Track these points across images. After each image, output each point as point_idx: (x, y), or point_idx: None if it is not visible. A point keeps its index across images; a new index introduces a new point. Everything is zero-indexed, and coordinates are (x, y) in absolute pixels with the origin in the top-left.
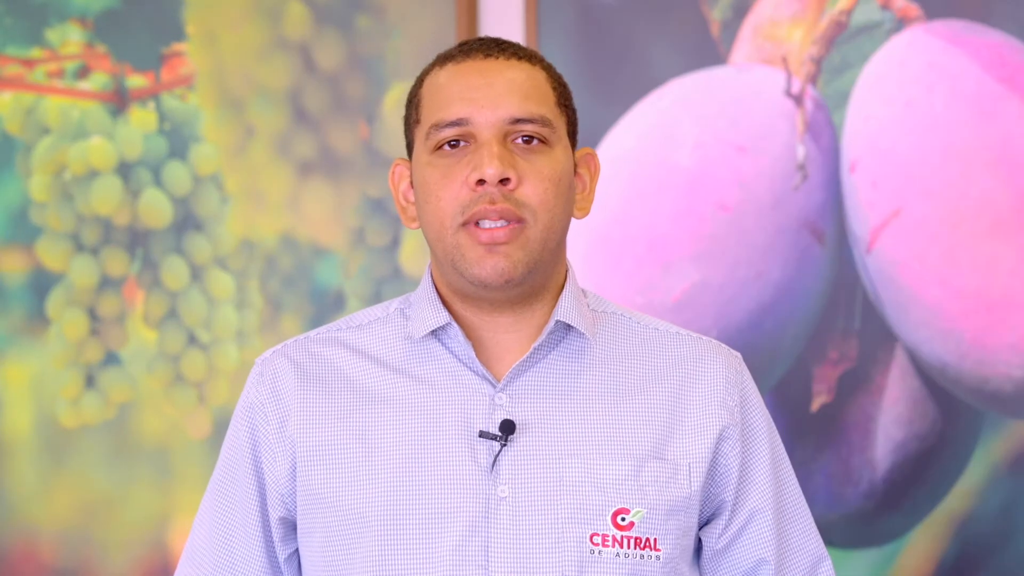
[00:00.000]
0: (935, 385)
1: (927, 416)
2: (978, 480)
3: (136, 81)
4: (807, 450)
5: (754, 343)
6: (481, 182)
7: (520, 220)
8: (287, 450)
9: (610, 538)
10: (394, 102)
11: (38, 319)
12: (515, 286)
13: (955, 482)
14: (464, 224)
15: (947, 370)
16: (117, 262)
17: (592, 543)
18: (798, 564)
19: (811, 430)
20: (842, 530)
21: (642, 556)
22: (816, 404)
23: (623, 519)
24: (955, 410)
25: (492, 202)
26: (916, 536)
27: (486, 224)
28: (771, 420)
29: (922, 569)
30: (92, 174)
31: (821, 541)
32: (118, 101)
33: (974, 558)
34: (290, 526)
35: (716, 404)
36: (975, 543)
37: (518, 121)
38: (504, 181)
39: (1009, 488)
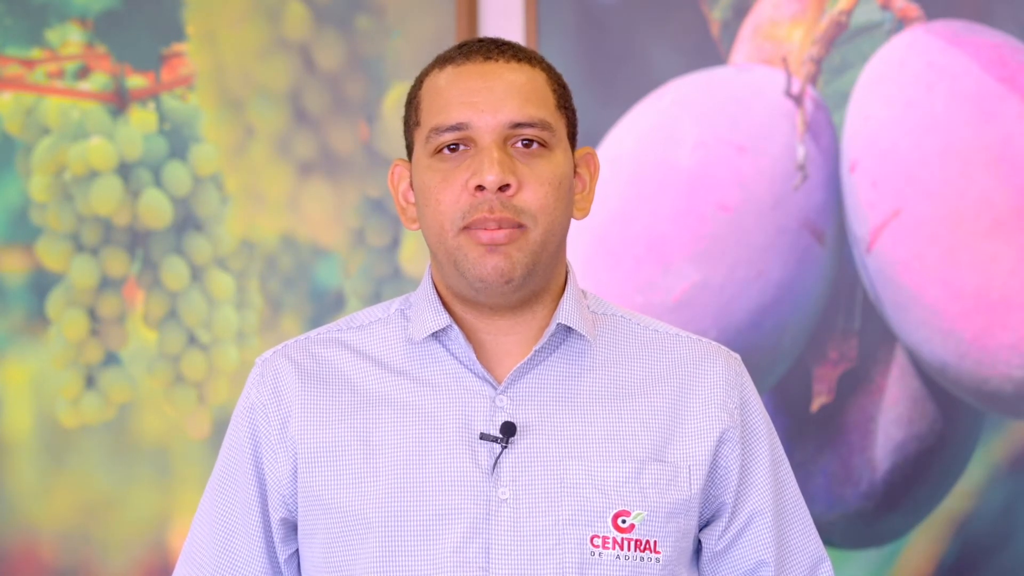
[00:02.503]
0: (935, 385)
1: (927, 416)
2: (978, 480)
3: (136, 81)
4: (807, 450)
5: (754, 343)
6: (481, 188)
7: (520, 226)
8: (288, 451)
9: (610, 540)
10: (394, 102)
11: (38, 319)
12: (515, 288)
13: (955, 482)
14: (465, 228)
15: (947, 370)
16: (117, 262)
17: (592, 545)
18: (797, 566)
19: (811, 430)
20: (842, 530)
21: (642, 558)
22: (816, 404)
23: (624, 521)
24: (955, 410)
25: (491, 210)
26: (916, 536)
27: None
28: (770, 422)
29: (922, 569)
30: (92, 174)
31: (820, 543)
32: (118, 101)
33: (974, 558)
34: (291, 527)
35: (716, 407)
36: (975, 543)
37: (518, 125)
38: (504, 187)
39: (1009, 488)
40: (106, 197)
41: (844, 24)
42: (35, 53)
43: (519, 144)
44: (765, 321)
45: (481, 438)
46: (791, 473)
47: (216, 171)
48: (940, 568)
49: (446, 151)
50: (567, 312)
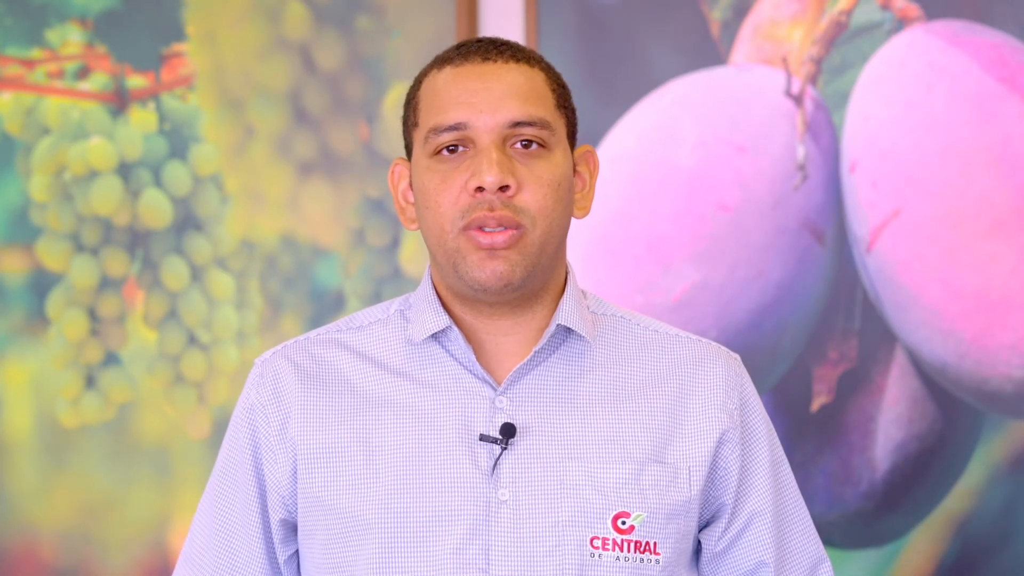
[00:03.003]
0: (935, 385)
1: (927, 416)
2: (978, 480)
3: (136, 81)
4: (807, 450)
5: (754, 343)
6: (480, 189)
7: (519, 226)
8: (288, 452)
9: (610, 542)
10: (394, 102)
11: (38, 319)
12: (514, 290)
13: (955, 482)
14: (465, 228)
15: (947, 370)
16: (117, 262)
17: (592, 546)
18: (797, 566)
19: (811, 430)
20: (842, 530)
21: (642, 560)
22: (816, 404)
23: (623, 523)
24: (955, 410)
25: (491, 209)
26: (916, 536)
27: (487, 230)
28: (770, 422)
29: (922, 569)
30: (92, 174)
31: (820, 544)
32: (118, 101)
33: (974, 558)
34: (290, 528)
35: (716, 407)
36: (975, 543)
37: (517, 124)
38: (503, 188)
39: (1009, 488)
40: (106, 197)
41: (844, 24)
42: (35, 53)
43: (518, 145)
44: (765, 321)
45: (481, 439)
46: (791, 474)
47: (216, 171)
48: (940, 568)
49: (445, 152)
50: (567, 313)
